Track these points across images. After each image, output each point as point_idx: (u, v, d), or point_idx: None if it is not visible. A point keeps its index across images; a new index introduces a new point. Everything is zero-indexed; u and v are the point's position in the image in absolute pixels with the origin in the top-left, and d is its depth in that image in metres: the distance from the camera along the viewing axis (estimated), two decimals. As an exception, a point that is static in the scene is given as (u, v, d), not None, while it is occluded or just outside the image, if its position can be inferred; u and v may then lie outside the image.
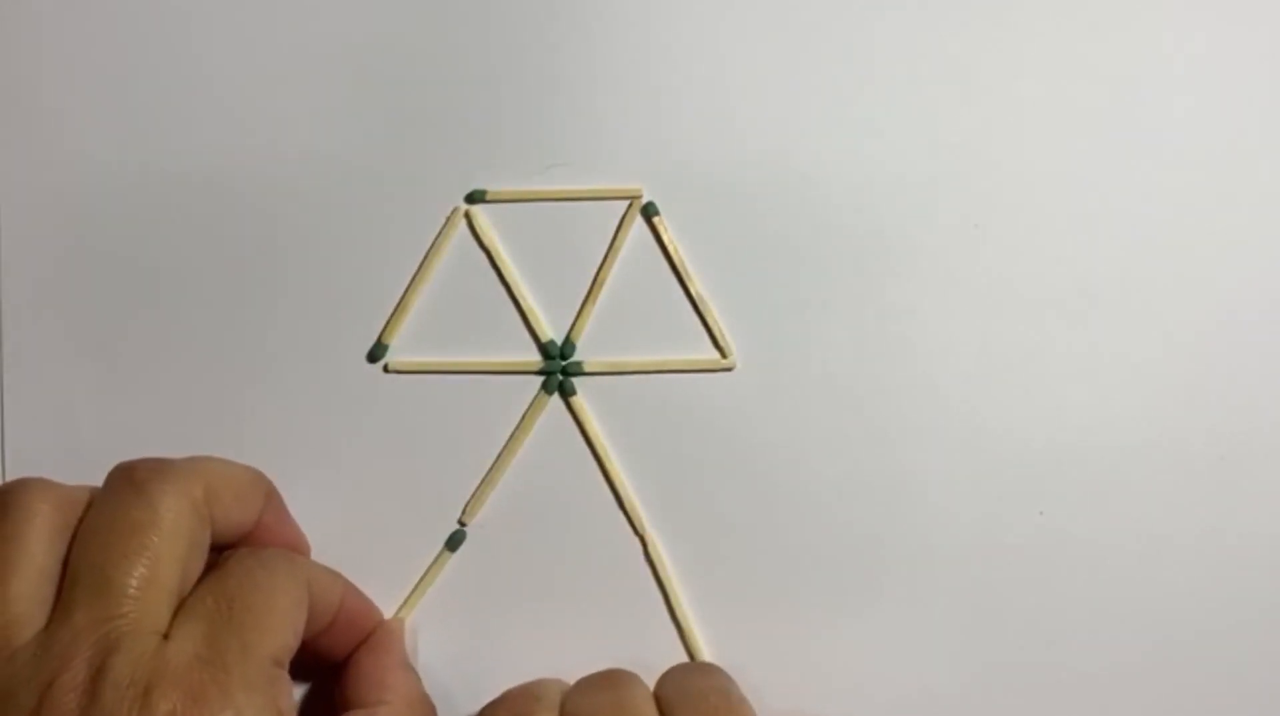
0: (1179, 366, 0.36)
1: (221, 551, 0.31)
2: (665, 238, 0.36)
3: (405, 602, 0.36)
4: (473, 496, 0.36)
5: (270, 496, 0.34)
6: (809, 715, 0.35)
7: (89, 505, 0.30)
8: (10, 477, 0.36)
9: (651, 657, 0.35)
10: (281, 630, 0.29)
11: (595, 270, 0.36)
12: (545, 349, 0.36)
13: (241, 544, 0.32)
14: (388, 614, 0.36)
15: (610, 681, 0.32)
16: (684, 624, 0.35)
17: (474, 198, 0.36)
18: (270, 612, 0.29)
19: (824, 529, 0.36)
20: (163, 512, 0.29)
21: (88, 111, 0.36)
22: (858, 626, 0.35)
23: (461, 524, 0.36)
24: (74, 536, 0.29)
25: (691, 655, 0.35)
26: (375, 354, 0.36)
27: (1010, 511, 0.36)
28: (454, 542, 0.36)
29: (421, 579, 0.36)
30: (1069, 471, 0.36)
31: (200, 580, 0.30)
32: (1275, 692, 0.35)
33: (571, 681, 0.33)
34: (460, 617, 0.36)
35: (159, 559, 0.28)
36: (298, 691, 0.35)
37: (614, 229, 0.36)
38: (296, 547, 0.35)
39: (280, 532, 0.34)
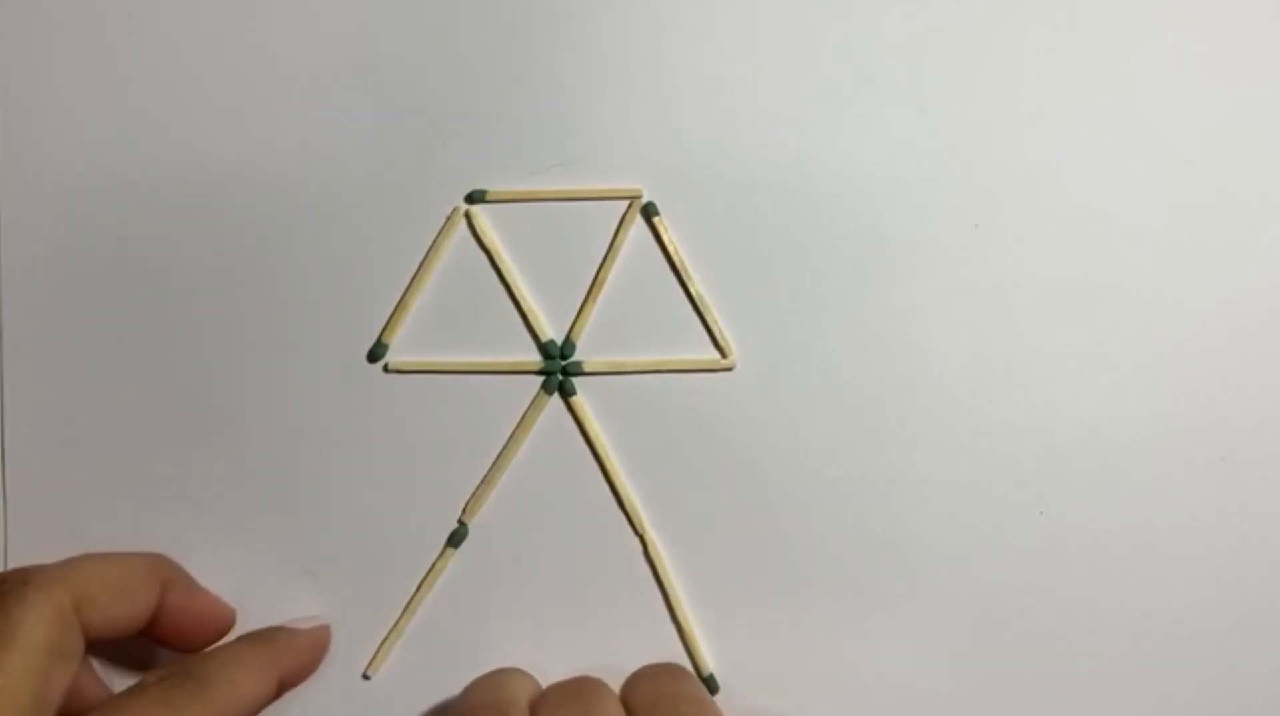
0: (1179, 366, 0.36)
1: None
2: (665, 238, 0.36)
3: (410, 601, 0.36)
4: (473, 496, 0.36)
5: (171, 582, 0.34)
6: (808, 715, 0.35)
7: None
8: (11, 477, 0.36)
9: (650, 656, 0.35)
10: None
11: (595, 270, 0.36)
12: (545, 349, 0.36)
13: (144, 634, 0.33)
14: (391, 612, 0.36)
15: (580, 693, 0.32)
16: (683, 622, 0.35)
17: (474, 198, 0.36)
18: None
19: (824, 528, 0.36)
20: (18, 625, 0.29)
21: (88, 111, 0.36)
22: (857, 625, 0.36)
23: (461, 523, 0.36)
24: None
25: (690, 653, 0.35)
26: (375, 354, 0.36)
27: (1010, 511, 0.36)
28: (456, 539, 0.36)
29: (426, 576, 0.36)
30: (1069, 471, 0.36)
31: None
32: (1275, 692, 0.35)
33: (564, 676, 0.34)
34: (460, 616, 0.36)
35: (13, 673, 0.28)
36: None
37: (614, 229, 0.36)
38: (215, 622, 0.35)
39: (189, 613, 0.34)
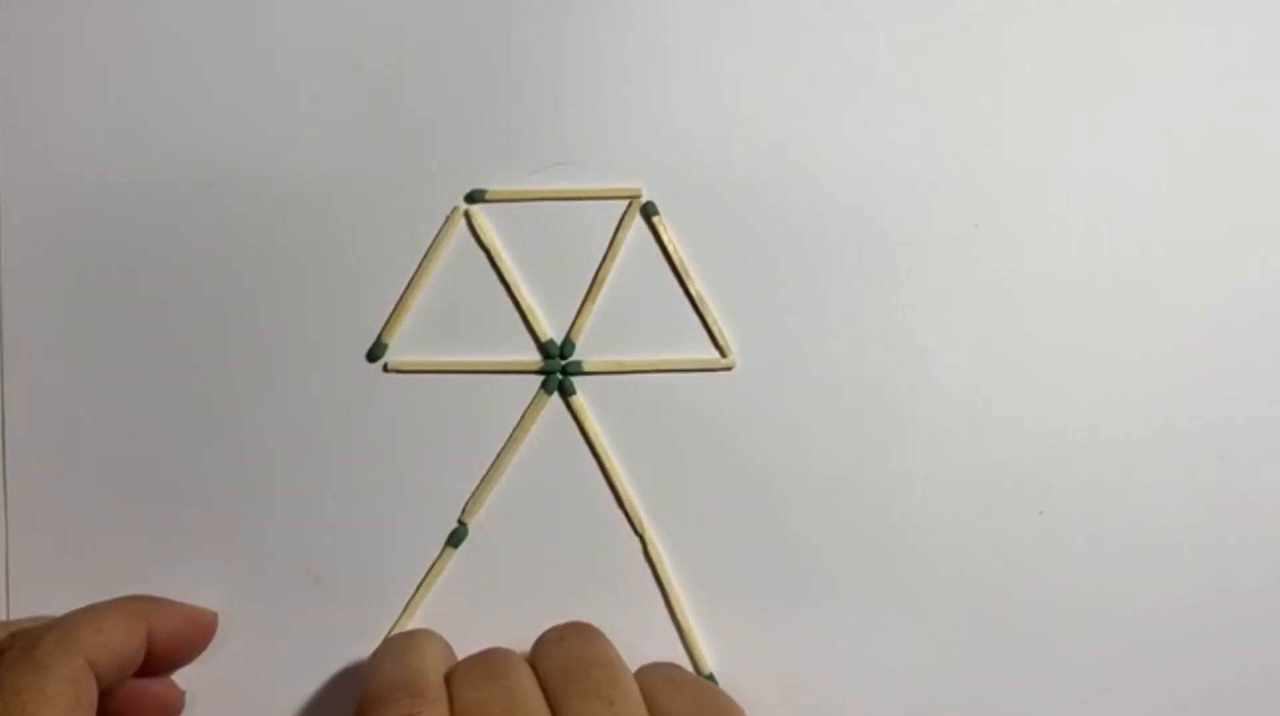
0: (1179, 366, 0.36)
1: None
2: (665, 238, 0.36)
3: (409, 601, 0.36)
4: (473, 496, 0.36)
5: (152, 615, 0.34)
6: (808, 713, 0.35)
7: None
8: (10, 477, 0.36)
9: (650, 655, 0.35)
10: None
11: (595, 270, 0.36)
12: (545, 348, 0.36)
13: (139, 672, 0.33)
14: (391, 612, 0.36)
15: (492, 666, 0.31)
16: (682, 621, 0.36)
17: (474, 197, 0.36)
18: None
19: (823, 527, 0.36)
20: (50, 700, 0.29)
21: (88, 111, 0.36)
22: (856, 625, 0.36)
23: (461, 523, 0.36)
24: None
25: (690, 652, 0.36)
26: (375, 353, 0.36)
27: (1010, 511, 0.36)
28: (456, 539, 0.36)
29: (425, 576, 0.36)
30: (1069, 471, 0.36)
31: None
32: (1275, 692, 0.35)
33: None
34: (460, 616, 0.36)
35: None
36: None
37: (614, 229, 0.36)
38: (201, 629, 0.35)
39: (171, 634, 0.34)
